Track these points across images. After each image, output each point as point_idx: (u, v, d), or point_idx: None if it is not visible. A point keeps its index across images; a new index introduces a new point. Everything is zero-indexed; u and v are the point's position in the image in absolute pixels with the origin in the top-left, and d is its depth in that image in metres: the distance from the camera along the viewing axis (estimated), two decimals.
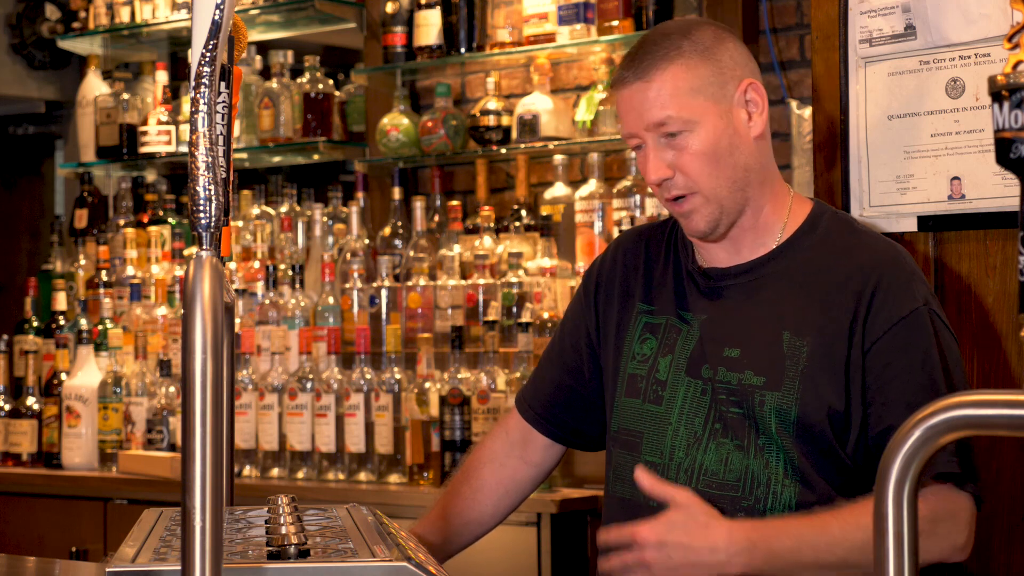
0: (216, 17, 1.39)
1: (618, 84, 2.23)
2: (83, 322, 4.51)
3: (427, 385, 3.85)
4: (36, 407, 4.52)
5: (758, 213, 2.24)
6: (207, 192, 1.37)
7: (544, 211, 4.09)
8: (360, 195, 4.44)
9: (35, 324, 4.71)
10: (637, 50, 2.23)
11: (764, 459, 2.15)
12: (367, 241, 4.29)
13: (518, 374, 3.71)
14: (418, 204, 4.18)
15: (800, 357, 2.15)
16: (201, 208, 1.37)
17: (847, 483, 2.15)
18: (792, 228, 2.25)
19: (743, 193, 2.21)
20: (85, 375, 4.41)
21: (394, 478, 3.87)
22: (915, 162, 2.64)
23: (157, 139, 4.78)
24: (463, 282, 4.04)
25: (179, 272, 4.57)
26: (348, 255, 4.22)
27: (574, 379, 2.41)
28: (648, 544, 2.07)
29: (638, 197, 3.90)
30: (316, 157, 4.65)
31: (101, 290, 4.58)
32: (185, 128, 4.74)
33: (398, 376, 3.93)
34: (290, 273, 4.23)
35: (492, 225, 4.12)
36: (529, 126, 4.13)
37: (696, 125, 2.18)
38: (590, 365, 2.38)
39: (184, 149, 4.73)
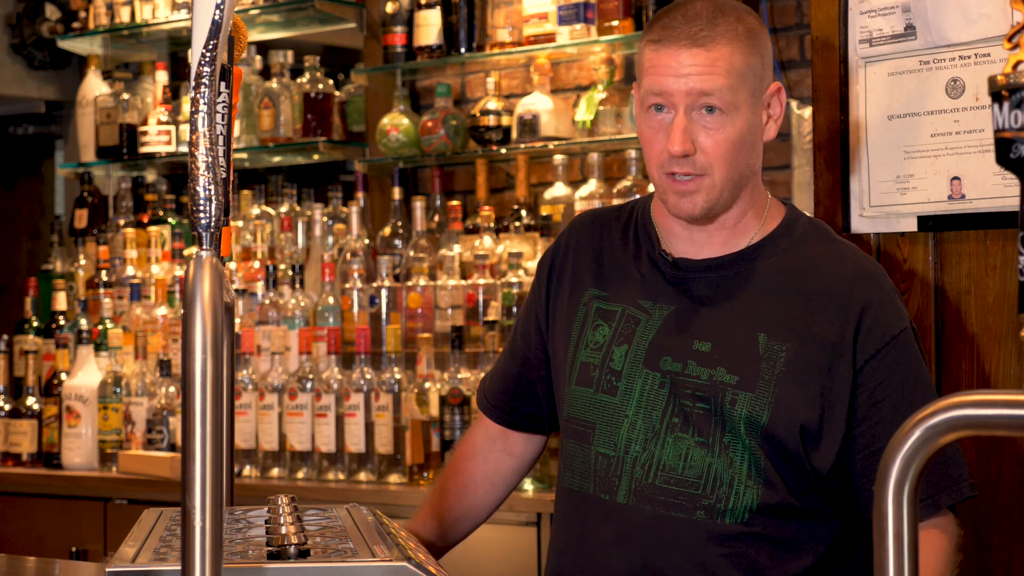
0: (216, 17, 1.39)
1: (665, 42, 2.14)
2: (83, 322, 4.51)
3: (427, 385, 3.85)
4: (36, 407, 4.52)
5: (741, 214, 2.22)
6: (207, 192, 1.37)
7: (544, 211, 4.09)
8: (360, 195, 4.44)
9: (35, 324, 4.71)
10: (686, 14, 2.15)
11: (728, 458, 2.12)
12: (367, 241, 4.29)
13: None
14: (418, 204, 4.18)
15: (777, 362, 2.12)
16: (201, 208, 1.37)
17: (809, 490, 2.14)
18: (767, 230, 2.23)
19: (739, 191, 2.19)
20: (85, 375, 4.41)
21: (394, 478, 3.87)
22: (915, 162, 2.63)
23: (157, 139, 4.78)
24: (463, 282, 4.04)
25: (179, 272, 4.57)
26: (348, 255, 4.22)
27: (521, 366, 2.40)
28: None
29: (638, 197, 3.89)
30: (316, 157, 4.65)
31: (101, 290, 4.58)
32: (185, 128, 4.74)
33: (398, 376, 3.93)
34: (290, 273, 4.23)
35: (492, 225, 4.11)
36: (529, 126, 4.13)
37: (735, 111, 2.13)
38: (537, 352, 2.37)
39: (184, 149, 4.73)
